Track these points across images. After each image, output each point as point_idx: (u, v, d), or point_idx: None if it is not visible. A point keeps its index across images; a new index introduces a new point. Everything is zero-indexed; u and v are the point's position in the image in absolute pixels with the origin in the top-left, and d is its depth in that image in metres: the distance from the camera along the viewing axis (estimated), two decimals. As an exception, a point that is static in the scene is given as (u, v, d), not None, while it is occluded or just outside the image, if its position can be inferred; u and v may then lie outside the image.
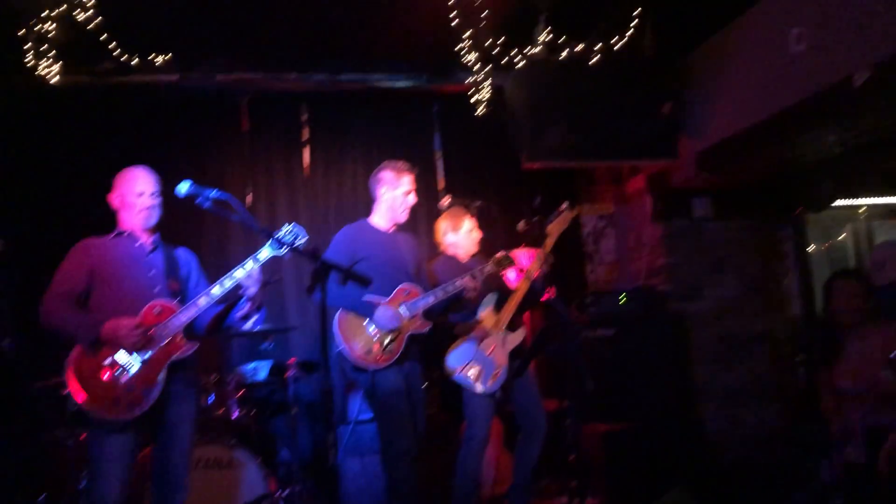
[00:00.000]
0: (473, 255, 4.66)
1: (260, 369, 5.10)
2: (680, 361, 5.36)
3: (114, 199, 3.47)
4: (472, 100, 5.20)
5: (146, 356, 3.18)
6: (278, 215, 5.58)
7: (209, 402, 4.50)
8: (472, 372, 4.34)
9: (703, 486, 4.65)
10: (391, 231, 4.19)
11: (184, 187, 3.09)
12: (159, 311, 3.26)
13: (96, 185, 4.43)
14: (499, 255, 4.18)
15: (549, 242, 4.45)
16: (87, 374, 3.11)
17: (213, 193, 3.07)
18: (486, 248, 4.81)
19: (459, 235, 4.61)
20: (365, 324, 3.93)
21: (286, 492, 4.65)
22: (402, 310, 3.94)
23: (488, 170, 6.04)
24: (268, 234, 3.23)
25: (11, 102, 5.24)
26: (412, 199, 4.17)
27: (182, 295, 3.45)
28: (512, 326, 4.47)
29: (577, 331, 4.10)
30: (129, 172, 3.48)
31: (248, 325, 3.45)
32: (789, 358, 5.90)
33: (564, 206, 4.52)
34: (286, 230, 3.28)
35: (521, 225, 4.47)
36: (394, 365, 3.92)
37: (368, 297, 3.90)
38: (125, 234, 3.45)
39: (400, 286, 4.00)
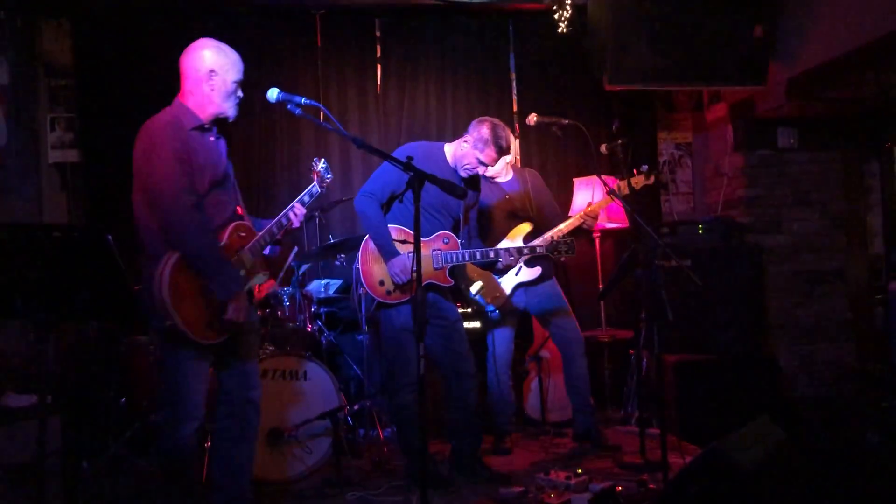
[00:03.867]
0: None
1: (331, 286, 5.13)
2: (755, 295, 5.23)
3: (190, 72, 3.09)
4: (554, 17, 4.99)
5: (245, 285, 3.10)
6: (350, 132, 5.52)
7: (284, 315, 4.55)
8: (475, 286, 4.44)
9: (774, 419, 4.58)
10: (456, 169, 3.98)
11: (273, 94, 3.03)
12: (244, 234, 3.16)
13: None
14: (557, 238, 4.07)
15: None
16: (183, 292, 2.89)
17: (303, 100, 3.01)
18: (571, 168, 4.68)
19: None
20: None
21: (356, 407, 4.73)
22: (433, 258, 3.82)
23: (564, 93, 5.86)
24: (364, 144, 3.12)
25: (95, 19, 5.24)
26: (480, 170, 3.93)
27: None
28: (530, 262, 4.43)
29: (662, 258, 3.99)
30: (224, 50, 3.11)
31: (267, 251, 3.32)
32: (867, 297, 5.77)
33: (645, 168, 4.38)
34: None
35: (603, 147, 4.34)
36: (405, 303, 3.77)
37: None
38: (205, 126, 3.11)
39: (440, 232, 3.87)
